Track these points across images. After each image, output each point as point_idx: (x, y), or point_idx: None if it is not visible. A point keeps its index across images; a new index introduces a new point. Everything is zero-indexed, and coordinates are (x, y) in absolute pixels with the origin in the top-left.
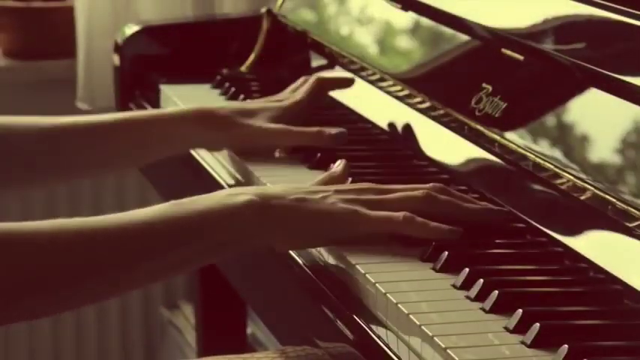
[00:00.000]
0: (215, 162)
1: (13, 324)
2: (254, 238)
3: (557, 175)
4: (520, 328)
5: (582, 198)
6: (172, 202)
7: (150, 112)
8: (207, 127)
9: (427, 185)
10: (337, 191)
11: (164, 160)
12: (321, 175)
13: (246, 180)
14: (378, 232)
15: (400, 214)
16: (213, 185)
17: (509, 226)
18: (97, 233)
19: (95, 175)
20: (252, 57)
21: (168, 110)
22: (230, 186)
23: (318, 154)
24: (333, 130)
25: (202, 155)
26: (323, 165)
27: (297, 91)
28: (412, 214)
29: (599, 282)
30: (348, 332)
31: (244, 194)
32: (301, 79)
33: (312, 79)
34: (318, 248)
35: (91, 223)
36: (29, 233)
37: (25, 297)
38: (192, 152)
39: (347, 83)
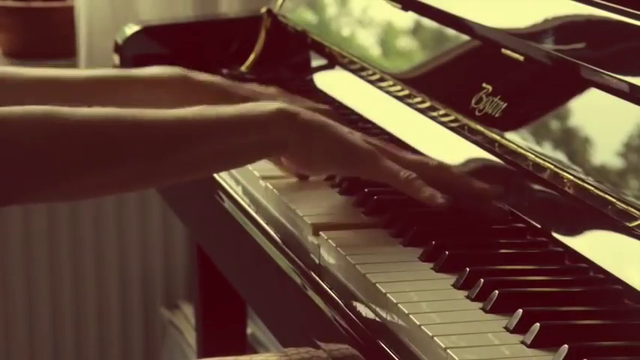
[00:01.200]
0: None
1: (13, 321)
2: (278, 145)
3: (557, 175)
4: (520, 328)
5: (582, 198)
6: (205, 105)
7: (125, 73)
8: (183, 101)
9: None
10: (363, 135)
11: None
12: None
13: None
14: (381, 181)
15: (406, 173)
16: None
17: (509, 226)
18: (133, 119)
19: None
20: (252, 57)
21: (142, 73)
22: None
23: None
24: None
25: None
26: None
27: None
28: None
29: (599, 282)
30: (350, 334)
31: (278, 103)
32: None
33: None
34: (320, 249)
35: (124, 110)
36: (72, 116)
37: (73, 175)
38: None
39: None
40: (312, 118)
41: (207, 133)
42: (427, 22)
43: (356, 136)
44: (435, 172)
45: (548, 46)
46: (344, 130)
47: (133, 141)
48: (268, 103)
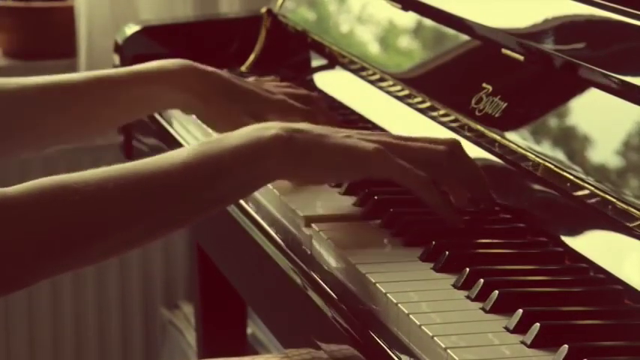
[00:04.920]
0: None
1: (13, 321)
2: (280, 172)
3: (558, 175)
4: (520, 328)
5: (583, 198)
6: (204, 141)
7: (127, 69)
8: (185, 92)
9: (447, 139)
10: (360, 133)
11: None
12: None
13: None
14: (392, 179)
15: (422, 174)
16: None
17: (509, 226)
18: (140, 177)
19: (70, 141)
20: (252, 57)
21: (145, 68)
22: None
23: None
24: None
25: None
26: None
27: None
28: (431, 165)
29: (599, 282)
30: (350, 334)
31: (271, 128)
32: (305, 92)
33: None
34: (320, 249)
35: (132, 168)
36: (78, 184)
37: (81, 244)
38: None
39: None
40: (307, 136)
41: (211, 178)
42: (427, 22)
43: (354, 138)
44: (445, 159)
45: (548, 46)
46: (341, 135)
47: (142, 201)
48: (264, 128)
